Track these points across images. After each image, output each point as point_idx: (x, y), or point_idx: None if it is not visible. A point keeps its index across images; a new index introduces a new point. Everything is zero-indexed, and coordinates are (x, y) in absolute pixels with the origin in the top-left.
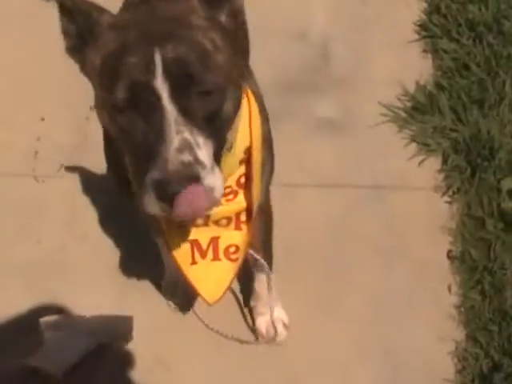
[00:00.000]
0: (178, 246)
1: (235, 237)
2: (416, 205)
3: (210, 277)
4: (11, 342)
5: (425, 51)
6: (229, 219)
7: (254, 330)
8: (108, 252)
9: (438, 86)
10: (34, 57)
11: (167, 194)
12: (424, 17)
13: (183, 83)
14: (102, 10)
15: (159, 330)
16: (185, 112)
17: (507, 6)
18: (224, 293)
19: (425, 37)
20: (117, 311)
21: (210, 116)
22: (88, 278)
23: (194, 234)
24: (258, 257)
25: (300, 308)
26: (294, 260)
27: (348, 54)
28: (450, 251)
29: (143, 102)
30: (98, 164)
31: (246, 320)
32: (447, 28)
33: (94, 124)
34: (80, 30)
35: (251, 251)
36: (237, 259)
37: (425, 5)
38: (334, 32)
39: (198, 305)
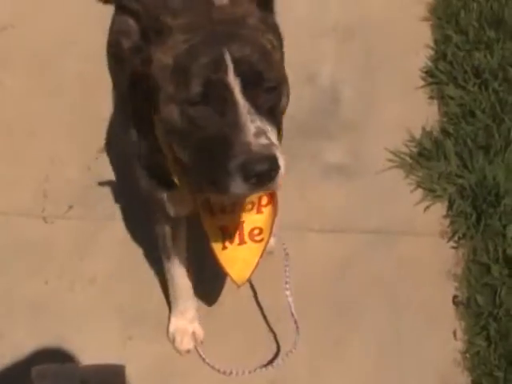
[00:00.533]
0: (213, 234)
1: (257, 220)
2: (422, 250)
3: (239, 259)
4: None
5: (431, 97)
6: (252, 203)
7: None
8: (115, 295)
9: (444, 132)
10: (44, 95)
11: (255, 172)
12: (430, 64)
13: (253, 80)
14: (165, 14)
15: (165, 373)
16: (255, 104)
17: None
18: (251, 273)
19: (431, 83)
20: (123, 355)
21: (272, 108)
22: (95, 321)
23: (224, 220)
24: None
25: (305, 350)
26: (300, 303)
27: (356, 99)
28: (455, 296)
29: (216, 96)
30: (108, 204)
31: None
32: (453, 75)
33: (104, 164)
34: (145, 31)
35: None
36: (262, 240)
37: (431, 52)
38: (342, 77)
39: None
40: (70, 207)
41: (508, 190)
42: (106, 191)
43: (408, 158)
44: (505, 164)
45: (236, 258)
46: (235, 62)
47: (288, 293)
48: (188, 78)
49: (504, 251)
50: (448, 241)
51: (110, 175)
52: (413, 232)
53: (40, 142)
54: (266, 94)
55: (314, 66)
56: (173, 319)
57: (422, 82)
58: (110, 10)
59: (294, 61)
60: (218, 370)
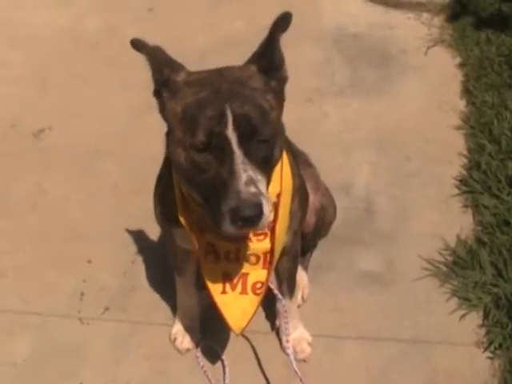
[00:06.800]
0: (212, 276)
1: (262, 274)
2: (457, 360)
3: (238, 307)
4: None
5: (465, 206)
6: (257, 257)
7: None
8: None
9: (479, 241)
10: (81, 200)
11: (242, 217)
12: (464, 172)
13: (248, 133)
14: (178, 68)
15: None
16: (249, 155)
17: None
18: (248, 323)
19: (465, 192)
20: None
21: (264, 158)
22: None
23: (227, 267)
24: (276, 291)
25: None
26: None
27: (390, 209)
28: None
29: (217, 146)
30: (143, 307)
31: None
32: (487, 184)
33: (140, 268)
34: (156, 84)
35: (271, 286)
36: (261, 293)
37: (465, 160)
38: (377, 187)
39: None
40: (106, 309)
41: None
42: (142, 295)
43: (443, 267)
44: None
45: (235, 306)
46: (235, 117)
47: (289, 351)
48: (194, 127)
49: None
50: (484, 351)
51: (146, 279)
52: (448, 342)
53: (77, 245)
54: (259, 146)
55: (348, 177)
56: (176, 321)
57: (456, 191)
58: (146, 125)
59: (329, 171)
60: (207, 376)
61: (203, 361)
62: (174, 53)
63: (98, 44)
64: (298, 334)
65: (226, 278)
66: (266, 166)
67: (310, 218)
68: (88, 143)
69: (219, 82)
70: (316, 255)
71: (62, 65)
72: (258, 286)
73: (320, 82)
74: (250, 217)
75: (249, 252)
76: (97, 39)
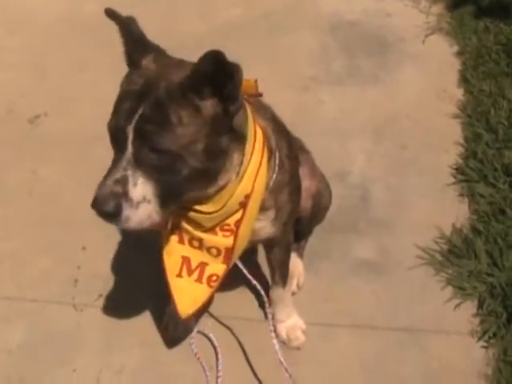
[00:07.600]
0: (171, 257)
1: (220, 268)
2: (452, 349)
3: (189, 293)
4: None
5: (461, 195)
6: (218, 250)
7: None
8: None
9: (475, 230)
10: (77, 186)
11: (95, 209)
12: (461, 161)
13: (141, 136)
14: (150, 50)
15: None
16: (139, 157)
17: None
18: (195, 312)
19: (461, 181)
20: None
21: (160, 169)
22: None
23: (188, 252)
24: (254, 282)
25: None
26: None
27: (386, 197)
28: None
29: (120, 138)
30: (136, 295)
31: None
32: (483, 173)
33: (134, 255)
34: (128, 59)
35: (249, 276)
36: (214, 286)
37: (461, 149)
38: (372, 175)
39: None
40: (100, 296)
41: None
42: (136, 282)
43: (438, 256)
44: None
45: (187, 292)
46: (140, 117)
47: (274, 341)
48: (112, 117)
49: None
50: (478, 340)
51: (140, 266)
52: (442, 330)
53: (72, 232)
54: (151, 153)
55: (344, 165)
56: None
57: (452, 180)
58: None
59: (325, 159)
60: (201, 363)
61: (196, 348)
62: (172, 39)
63: (94, 29)
64: (292, 321)
65: (185, 262)
66: (164, 177)
67: (307, 203)
68: (84, 129)
69: (153, 80)
70: (311, 243)
71: (58, 50)
72: (214, 278)
73: (317, 69)
74: (100, 212)
75: (211, 244)
76: (93, 24)
